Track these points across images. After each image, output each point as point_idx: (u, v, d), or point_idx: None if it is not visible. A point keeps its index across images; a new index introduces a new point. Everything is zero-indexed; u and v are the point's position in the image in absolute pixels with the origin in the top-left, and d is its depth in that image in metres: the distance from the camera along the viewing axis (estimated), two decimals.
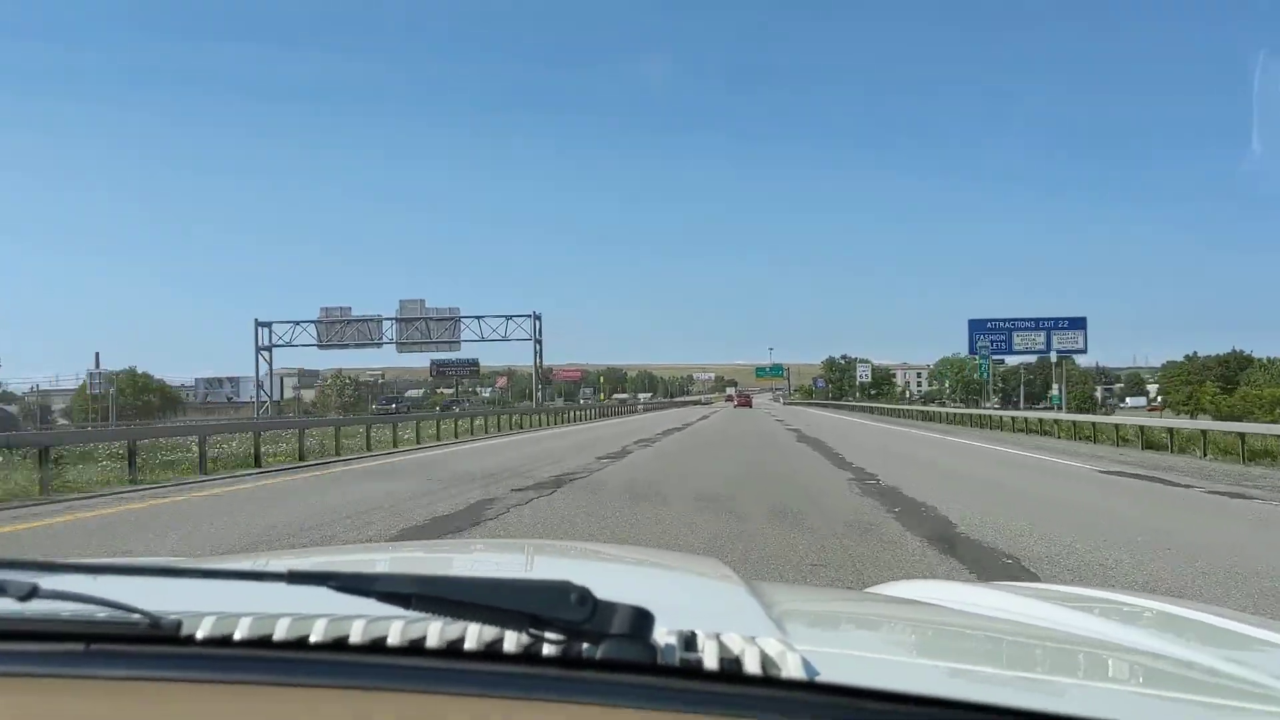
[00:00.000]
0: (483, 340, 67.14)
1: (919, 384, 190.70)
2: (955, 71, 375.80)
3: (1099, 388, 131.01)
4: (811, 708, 0.68)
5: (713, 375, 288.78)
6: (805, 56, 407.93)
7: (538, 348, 64.90)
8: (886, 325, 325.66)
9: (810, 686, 0.72)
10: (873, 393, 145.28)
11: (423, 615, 0.75)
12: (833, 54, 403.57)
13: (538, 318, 64.66)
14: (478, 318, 65.64)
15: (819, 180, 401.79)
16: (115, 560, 0.98)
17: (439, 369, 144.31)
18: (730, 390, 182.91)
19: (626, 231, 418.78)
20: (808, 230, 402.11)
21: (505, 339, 65.36)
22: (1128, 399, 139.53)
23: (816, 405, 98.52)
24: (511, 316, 64.71)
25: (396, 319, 66.15)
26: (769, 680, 0.73)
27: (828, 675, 0.75)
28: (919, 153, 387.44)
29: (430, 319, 65.52)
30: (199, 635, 0.78)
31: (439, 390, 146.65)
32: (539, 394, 69.22)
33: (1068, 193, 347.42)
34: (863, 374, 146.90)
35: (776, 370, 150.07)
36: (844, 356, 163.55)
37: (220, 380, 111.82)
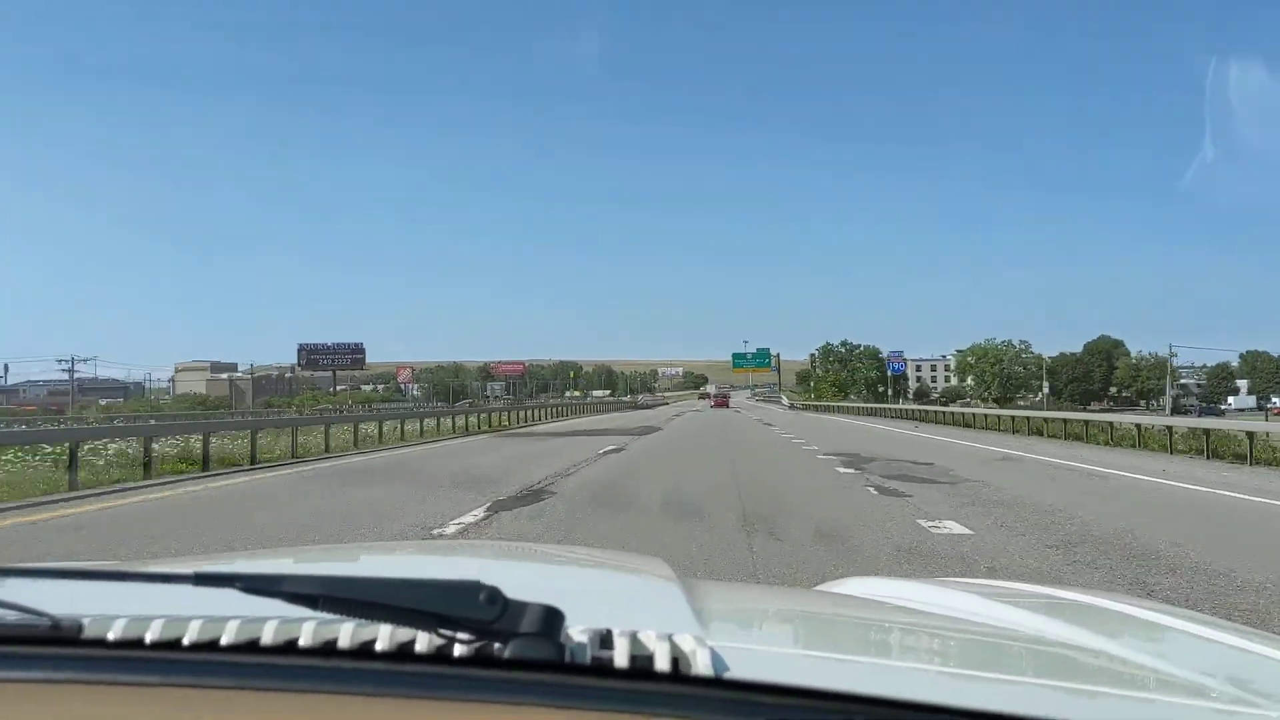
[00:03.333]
0: None
1: (933, 378, 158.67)
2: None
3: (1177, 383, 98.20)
4: (715, 704, 0.68)
5: (680, 370, 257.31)
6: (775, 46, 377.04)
7: None
8: (881, 316, 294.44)
9: (717, 683, 0.72)
10: (882, 390, 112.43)
11: (335, 617, 0.74)
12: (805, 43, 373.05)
13: None
14: None
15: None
16: (21, 564, 0.97)
17: (309, 355, 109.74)
18: (710, 388, 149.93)
19: (583, 227, 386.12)
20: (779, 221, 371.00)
21: None
22: (1230, 399, 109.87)
23: (821, 407, 64.79)
24: None
25: None
26: (677, 677, 0.73)
27: (739, 672, 0.75)
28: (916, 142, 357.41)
29: None
30: (104, 637, 0.77)
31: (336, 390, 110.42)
32: None
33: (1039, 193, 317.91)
34: (895, 365, 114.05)
35: (761, 358, 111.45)
36: (845, 343, 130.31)
37: None
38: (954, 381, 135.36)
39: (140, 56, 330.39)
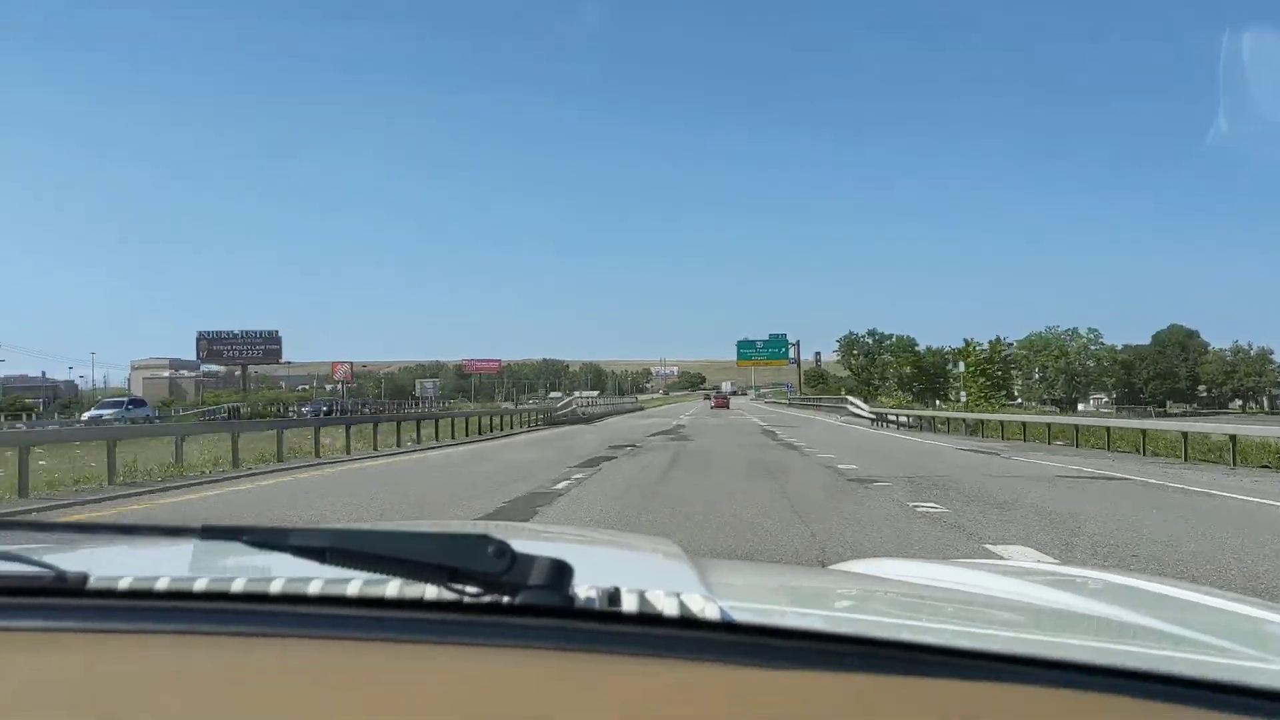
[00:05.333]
0: None
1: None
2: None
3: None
4: (724, 647, 0.69)
5: (675, 370, 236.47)
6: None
7: None
8: (894, 305, 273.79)
9: (729, 627, 0.74)
10: (918, 388, 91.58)
11: (344, 572, 0.75)
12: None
13: None
14: None
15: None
16: (25, 518, 0.97)
17: (211, 345, 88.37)
18: (726, 386, 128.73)
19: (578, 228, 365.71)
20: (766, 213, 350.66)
21: None
22: None
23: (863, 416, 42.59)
24: None
25: None
26: (685, 621, 0.74)
27: (747, 620, 0.77)
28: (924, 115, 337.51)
29: None
30: (112, 588, 0.78)
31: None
32: None
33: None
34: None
35: (775, 347, 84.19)
36: (873, 333, 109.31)
37: None
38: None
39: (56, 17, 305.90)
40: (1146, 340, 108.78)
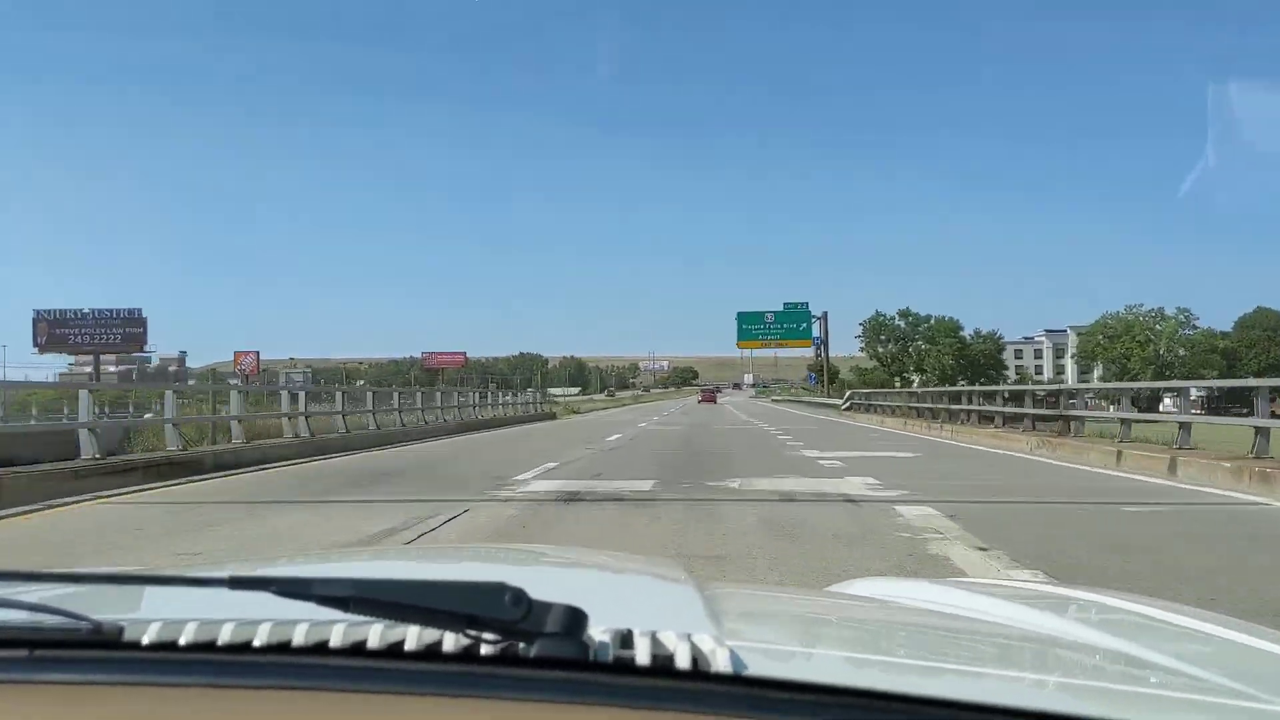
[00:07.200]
0: None
1: (1038, 365, 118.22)
2: None
3: None
4: (735, 700, 0.70)
5: (666, 364, 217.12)
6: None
7: None
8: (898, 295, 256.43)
9: (738, 680, 0.74)
10: (962, 381, 72.55)
11: (364, 619, 0.76)
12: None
13: None
14: None
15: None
16: (62, 570, 1.02)
17: (53, 328, 68.29)
18: (747, 378, 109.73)
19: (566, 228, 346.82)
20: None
21: None
22: None
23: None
24: None
25: None
26: (698, 674, 0.75)
27: (757, 669, 0.77)
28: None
29: None
30: (143, 640, 0.79)
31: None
32: None
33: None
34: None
35: (793, 322, 59.58)
36: (906, 313, 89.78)
37: None
38: (1069, 368, 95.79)
39: None
40: (1228, 327, 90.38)
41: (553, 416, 37.69)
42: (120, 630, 0.79)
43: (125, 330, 65.91)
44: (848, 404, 37.62)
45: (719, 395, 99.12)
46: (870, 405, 33.85)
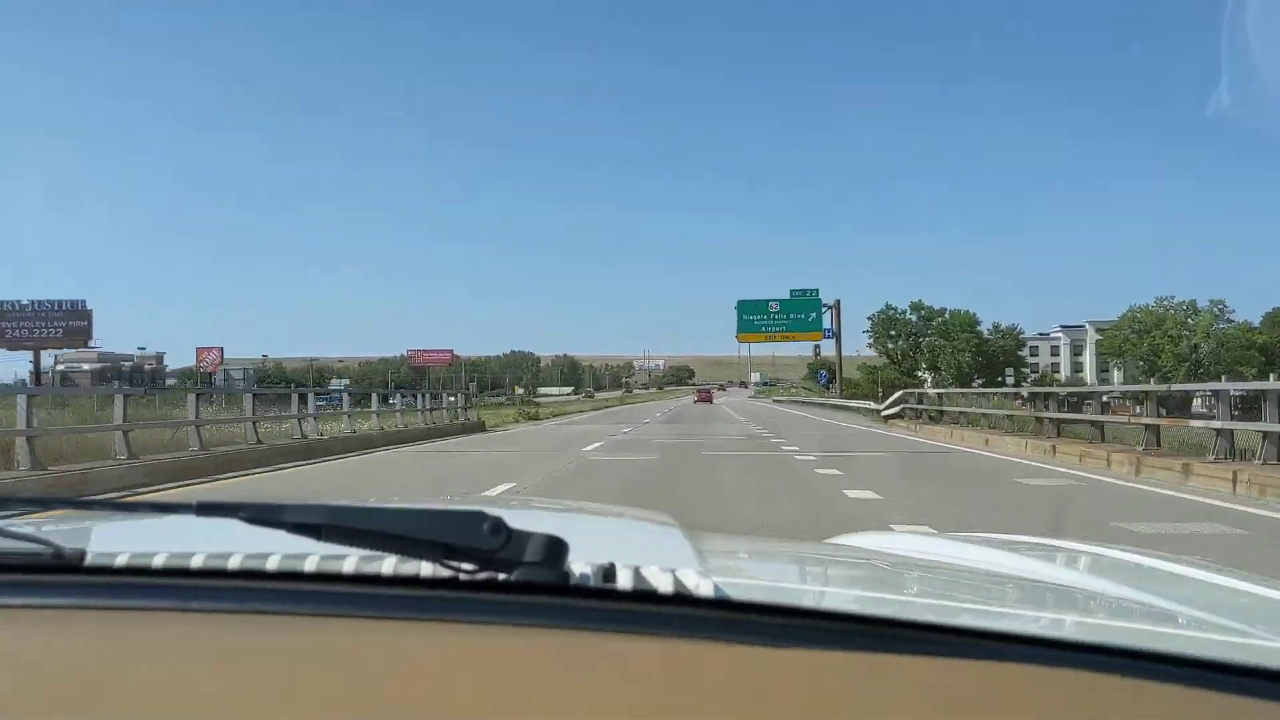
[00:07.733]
0: None
1: (1055, 363, 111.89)
2: None
3: None
4: (717, 624, 0.69)
5: (662, 363, 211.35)
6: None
7: None
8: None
9: (725, 605, 0.74)
10: (980, 381, 66.92)
11: (339, 548, 0.75)
12: None
13: None
14: None
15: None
16: (23, 495, 1.00)
17: None
18: (754, 377, 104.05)
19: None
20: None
21: None
22: None
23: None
24: None
25: None
26: (680, 599, 0.74)
27: (741, 597, 0.78)
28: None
29: None
30: (110, 565, 0.78)
31: None
32: None
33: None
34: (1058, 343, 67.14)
35: (802, 311, 50.90)
36: (919, 305, 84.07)
37: None
38: (1089, 365, 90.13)
39: None
40: (1255, 321, 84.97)
41: (480, 428, 26.92)
42: (82, 555, 0.77)
43: (68, 324, 60.41)
44: (894, 408, 26.51)
45: (716, 396, 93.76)
46: (941, 413, 22.22)
